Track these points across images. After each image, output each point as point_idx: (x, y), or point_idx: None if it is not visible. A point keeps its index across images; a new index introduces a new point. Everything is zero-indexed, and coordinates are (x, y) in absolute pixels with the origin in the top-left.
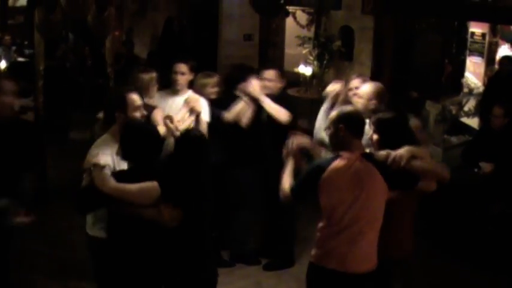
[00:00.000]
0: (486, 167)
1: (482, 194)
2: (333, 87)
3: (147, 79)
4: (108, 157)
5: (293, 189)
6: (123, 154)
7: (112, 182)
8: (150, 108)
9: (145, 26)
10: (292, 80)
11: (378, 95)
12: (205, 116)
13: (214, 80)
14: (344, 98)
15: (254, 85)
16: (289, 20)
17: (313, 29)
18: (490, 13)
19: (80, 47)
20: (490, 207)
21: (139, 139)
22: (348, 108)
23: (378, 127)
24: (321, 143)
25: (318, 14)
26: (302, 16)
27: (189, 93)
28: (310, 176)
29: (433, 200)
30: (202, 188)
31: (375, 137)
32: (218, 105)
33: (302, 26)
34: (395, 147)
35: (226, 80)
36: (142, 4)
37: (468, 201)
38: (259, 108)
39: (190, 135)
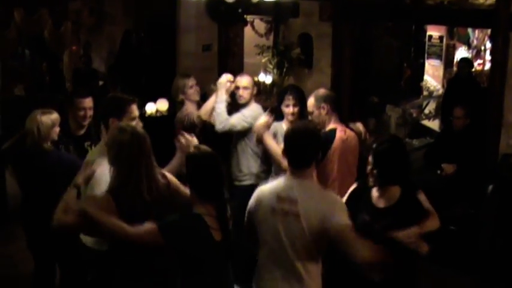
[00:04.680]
0: (448, 168)
1: (444, 195)
2: (226, 78)
3: (48, 123)
4: None
5: None
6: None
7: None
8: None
9: (103, 39)
10: None
11: (253, 81)
12: None
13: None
14: (231, 88)
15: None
16: (247, 29)
17: (271, 37)
18: (446, 16)
19: (37, 63)
20: (452, 208)
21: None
22: (322, 90)
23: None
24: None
25: (276, 22)
26: (260, 25)
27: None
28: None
29: None
30: None
31: (296, 109)
32: None
33: (260, 35)
34: None
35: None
36: (99, 18)
37: (431, 202)
38: None
39: None
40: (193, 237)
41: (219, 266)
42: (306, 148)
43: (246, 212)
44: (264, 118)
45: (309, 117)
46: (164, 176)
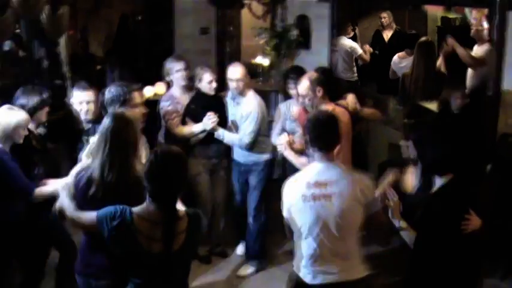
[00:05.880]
0: None
1: None
2: (209, 118)
3: (10, 124)
4: None
5: None
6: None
7: None
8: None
9: (100, 24)
10: (250, 71)
11: (246, 71)
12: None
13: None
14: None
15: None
16: (244, 12)
17: (269, 19)
18: None
19: (34, 48)
20: None
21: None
22: (314, 73)
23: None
24: None
25: (274, 4)
26: (258, 7)
27: None
28: None
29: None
30: None
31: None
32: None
33: (258, 17)
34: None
35: None
36: (97, 1)
37: None
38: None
39: None
40: (116, 233)
41: (153, 279)
42: (330, 131)
43: (282, 207)
44: (283, 137)
45: (301, 100)
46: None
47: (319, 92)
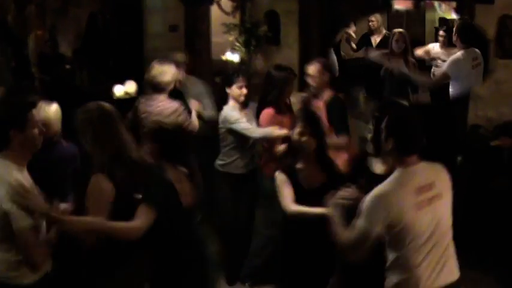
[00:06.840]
0: None
1: None
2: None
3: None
4: None
5: None
6: None
7: None
8: None
9: (69, 23)
10: (220, 67)
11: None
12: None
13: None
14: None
15: None
16: (214, 8)
17: (238, 15)
18: None
19: (2, 48)
20: None
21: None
22: (324, 59)
23: None
24: None
25: (243, 0)
26: (227, 3)
27: None
28: None
29: None
30: None
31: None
32: None
33: (227, 13)
34: None
35: None
36: (64, 1)
37: None
38: None
39: None
40: (168, 199)
41: (190, 232)
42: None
43: (367, 224)
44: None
45: (310, 80)
46: None
47: (326, 78)
